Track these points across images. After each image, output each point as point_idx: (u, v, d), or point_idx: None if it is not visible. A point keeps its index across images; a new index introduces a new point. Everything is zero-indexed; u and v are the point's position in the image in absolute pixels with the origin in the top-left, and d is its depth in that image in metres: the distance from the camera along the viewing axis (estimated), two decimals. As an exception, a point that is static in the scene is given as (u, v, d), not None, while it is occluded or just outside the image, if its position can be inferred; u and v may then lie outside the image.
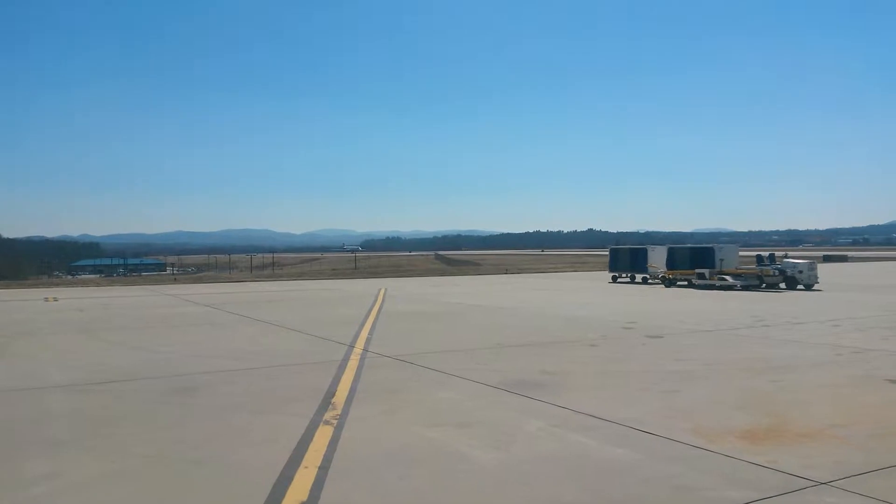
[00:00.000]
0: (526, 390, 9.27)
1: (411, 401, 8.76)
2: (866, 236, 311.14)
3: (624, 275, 37.44)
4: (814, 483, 5.56)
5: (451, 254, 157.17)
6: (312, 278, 50.26)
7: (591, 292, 29.98)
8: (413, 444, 6.79)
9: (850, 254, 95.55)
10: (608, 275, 38.96)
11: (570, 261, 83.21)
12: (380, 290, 33.11)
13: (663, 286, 32.17)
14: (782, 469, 5.89)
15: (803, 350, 12.61)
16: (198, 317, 20.59)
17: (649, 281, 34.98)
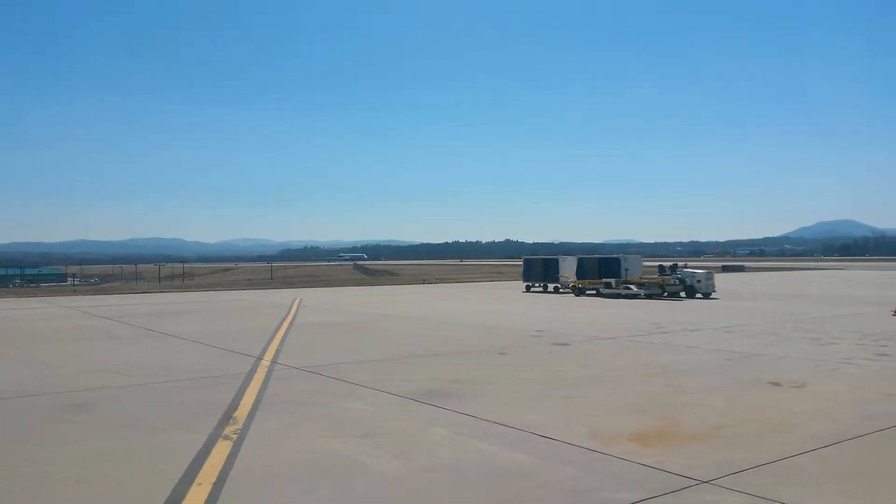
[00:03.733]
0: (433, 399, 9.34)
1: (317, 413, 8.66)
2: (762, 248, 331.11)
3: (537, 284, 38.30)
4: (696, 482, 5.88)
5: (369, 264, 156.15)
6: (225, 289, 48.75)
7: (505, 302, 30.51)
8: (315, 457, 6.72)
9: (747, 264, 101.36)
10: (523, 284, 39.76)
11: (487, 271, 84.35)
12: (294, 300, 32.52)
13: (573, 295, 33.14)
14: (669, 469, 6.20)
15: (697, 355, 13.30)
16: (97, 330, 19.59)
17: (560, 290, 35.93)
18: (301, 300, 32.58)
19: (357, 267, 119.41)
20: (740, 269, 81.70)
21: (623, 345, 14.97)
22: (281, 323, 20.83)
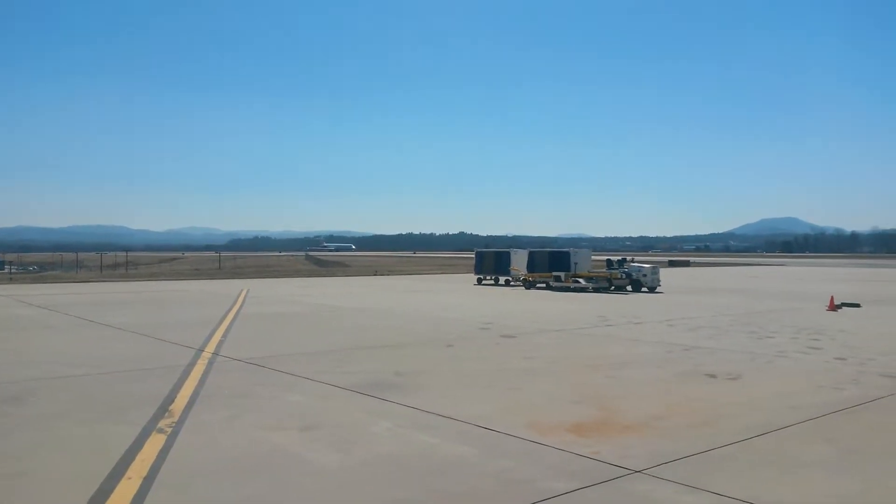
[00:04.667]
0: (377, 391, 9.31)
1: (257, 406, 8.53)
2: (707, 244, 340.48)
3: (489, 277, 38.53)
4: (629, 471, 6.00)
5: (321, 254, 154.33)
6: (170, 278, 47.58)
7: (456, 294, 30.61)
8: (252, 450, 6.62)
9: (692, 259, 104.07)
10: (474, 277, 39.94)
11: (440, 263, 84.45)
12: (242, 290, 31.96)
13: (524, 288, 33.47)
14: (604, 459, 6.32)
15: (639, 347, 13.59)
16: (33, 319, 18.88)
17: (512, 283, 36.23)
18: (249, 290, 32.05)
19: (308, 257, 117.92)
20: (686, 263, 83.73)
21: (569, 337, 15.18)
22: (226, 314, 20.44)
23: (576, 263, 32.42)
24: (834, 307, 22.00)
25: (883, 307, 23.35)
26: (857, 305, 23.02)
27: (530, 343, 14.22)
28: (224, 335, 15.35)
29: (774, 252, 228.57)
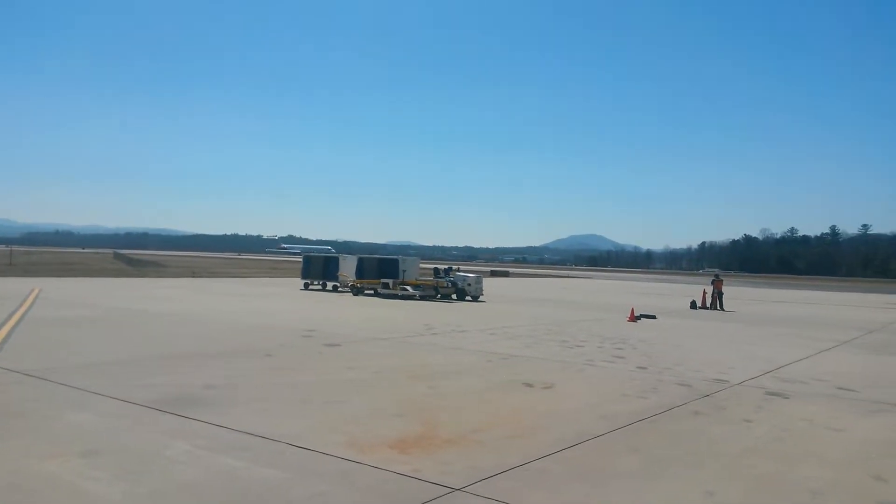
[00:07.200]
0: (181, 408, 8.42)
1: (31, 427, 7.32)
2: (525, 256, 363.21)
3: (316, 282, 37.58)
4: (449, 490, 5.83)
5: (134, 253, 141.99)
6: (-59, 274, 41.08)
7: (281, 299, 29.42)
8: (17, 482, 5.60)
9: (511, 270, 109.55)
10: (301, 282, 38.76)
11: (265, 266, 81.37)
12: (33, 290, 28.30)
13: (352, 294, 33.01)
14: (423, 478, 6.10)
15: (462, 357, 13.72)
16: None
17: (340, 289, 35.60)
18: (41, 290, 28.47)
19: (118, 256, 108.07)
20: (506, 274, 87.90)
21: (394, 346, 14.99)
22: (9, 317, 17.86)
23: (404, 271, 32.54)
24: (634, 318, 23.95)
25: (674, 319, 25.86)
26: (654, 317, 25.28)
27: (355, 352, 13.83)
28: (2, 342, 13.31)
29: (582, 265, 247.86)
